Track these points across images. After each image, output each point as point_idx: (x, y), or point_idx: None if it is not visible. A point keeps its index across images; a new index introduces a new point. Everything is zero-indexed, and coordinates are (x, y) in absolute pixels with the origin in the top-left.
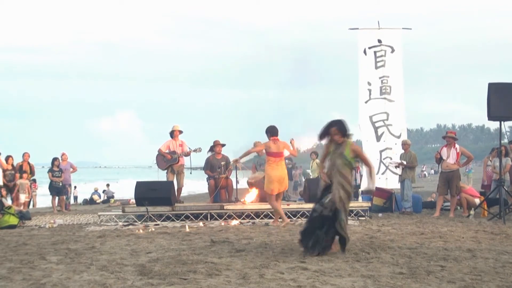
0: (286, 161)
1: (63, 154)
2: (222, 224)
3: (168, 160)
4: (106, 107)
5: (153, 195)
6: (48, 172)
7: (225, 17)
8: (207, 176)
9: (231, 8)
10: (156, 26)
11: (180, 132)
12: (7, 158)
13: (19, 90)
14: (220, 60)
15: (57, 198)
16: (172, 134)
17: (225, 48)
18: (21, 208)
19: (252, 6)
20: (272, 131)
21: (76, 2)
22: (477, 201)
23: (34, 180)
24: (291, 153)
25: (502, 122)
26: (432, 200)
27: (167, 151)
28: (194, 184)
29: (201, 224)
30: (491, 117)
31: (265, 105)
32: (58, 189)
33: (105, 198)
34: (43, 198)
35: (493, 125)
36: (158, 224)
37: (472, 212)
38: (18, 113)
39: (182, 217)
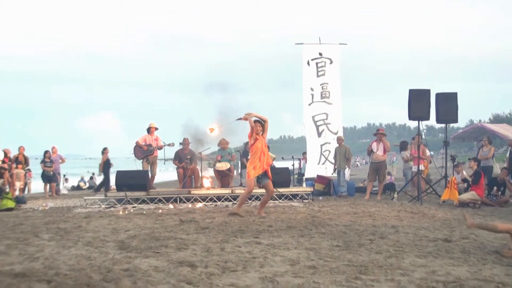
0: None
1: (53, 148)
2: (189, 206)
3: (144, 151)
4: (90, 108)
5: (131, 182)
6: (40, 163)
7: (190, 33)
8: (176, 166)
9: (195, 25)
10: (134, 40)
11: (156, 129)
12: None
13: (18, 93)
14: (187, 69)
15: (48, 185)
16: (149, 130)
17: (190, 59)
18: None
19: (217, 22)
20: None
21: (67, 20)
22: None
23: (29, 170)
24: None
25: (420, 122)
26: (363, 185)
27: (143, 143)
28: (166, 174)
29: (171, 206)
30: (411, 117)
31: (226, 108)
32: (50, 177)
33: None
34: (37, 185)
35: (413, 124)
36: (135, 207)
37: (395, 195)
38: (17, 113)
39: (156, 200)
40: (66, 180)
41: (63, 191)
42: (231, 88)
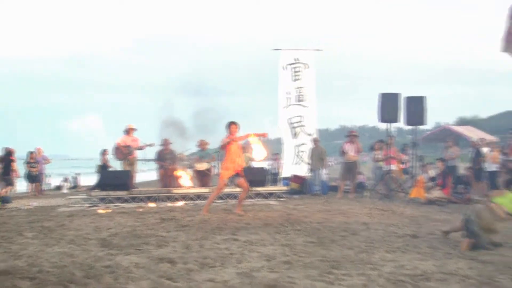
0: None
1: (38, 149)
2: (170, 204)
3: (124, 153)
4: (75, 110)
5: (113, 182)
6: (25, 164)
7: (171, 37)
8: (157, 166)
9: (178, 30)
10: (118, 45)
11: (134, 129)
12: None
13: (3, 95)
14: (169, 72)
15: (33, 184)
16: (127, 131)
17: (172, 62)
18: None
19: (199, 28)
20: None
21: (53, 24)
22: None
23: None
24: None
25: (390, 124)
26: (336, 184)
27: (123, 145)
28: (147, 174)
29: (152, 205)
30: (381, 119)
31: (206, 109)
32: (34, 177)
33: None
34: (21, 185)
35: (383, 126)
36: (117, 205)
37: (366, 193)
38: (1, 114)
39: (137, 199)
40: (65, 179)
41: (63, 190)
42: (205, 90)
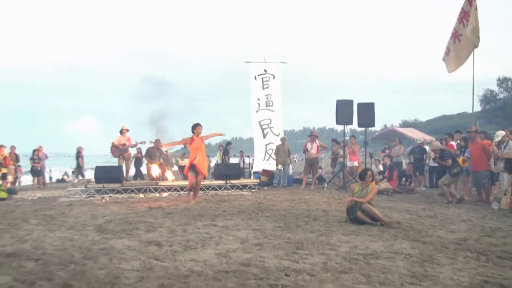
0: None
1: (39, 147)
2: (157, 195)
3: (120, 150)
4: (73, 113)
5: (108, 175)
6: (30, 160)
7: (157, 50)
8: (146, 161)
9: (162, 44)
10: (105, 56)
11: (127, 130)
12: None
13: (11, 101)
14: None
15: (36, 178)
16: (122, 131)
17: (156, 72)
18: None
19: (181, 42)
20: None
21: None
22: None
23: (20, 165)
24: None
25: (345, 126)
26: (300, 178)
27: (118, 143)
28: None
29: (142, 195)
30: (338, 122)
31: (185, 112)
32: (37, 172)
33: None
34: (26, 178)
35: (339, 127)
36: (111, 196)
37: (325, 185)
38: (12, 117)
39: (129, 190)
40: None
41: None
42: (188, 96)
